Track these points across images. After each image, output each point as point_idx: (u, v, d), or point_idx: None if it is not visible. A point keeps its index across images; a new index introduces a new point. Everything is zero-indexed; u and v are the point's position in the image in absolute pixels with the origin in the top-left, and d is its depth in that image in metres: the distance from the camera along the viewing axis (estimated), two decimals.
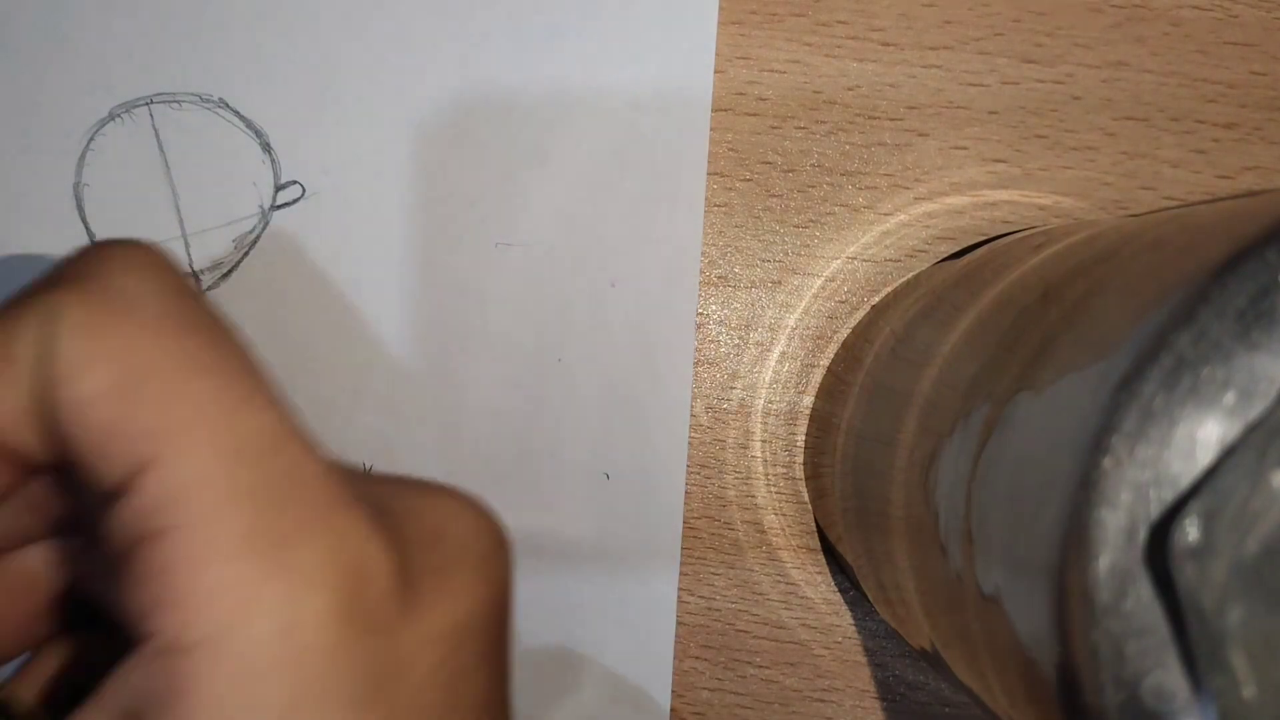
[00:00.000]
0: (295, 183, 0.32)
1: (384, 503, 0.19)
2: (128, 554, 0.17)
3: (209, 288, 0.32)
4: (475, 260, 0.33)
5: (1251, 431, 0.14)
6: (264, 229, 0.32)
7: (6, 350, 0.17)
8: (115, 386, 0.17)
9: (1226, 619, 0.14)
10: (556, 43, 0.32)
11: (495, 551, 0.20)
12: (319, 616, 0.17)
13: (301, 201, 0.32)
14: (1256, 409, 0.14)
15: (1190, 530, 0.14)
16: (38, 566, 0.20)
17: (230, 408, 0.17)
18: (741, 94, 0.33)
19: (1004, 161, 0.33)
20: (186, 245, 0.32)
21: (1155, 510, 0.15)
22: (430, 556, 0.19)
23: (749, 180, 0.33)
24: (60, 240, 0.32)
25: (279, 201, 0.32)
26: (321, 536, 0.17)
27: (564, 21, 0.32)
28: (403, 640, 0.18)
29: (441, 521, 0.20)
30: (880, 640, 0.33)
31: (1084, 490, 0.15)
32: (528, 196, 0.33)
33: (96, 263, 0.18)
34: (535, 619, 0.33)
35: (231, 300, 0.32)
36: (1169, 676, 0.14)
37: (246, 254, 0.32)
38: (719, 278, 0.33)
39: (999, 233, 0.33)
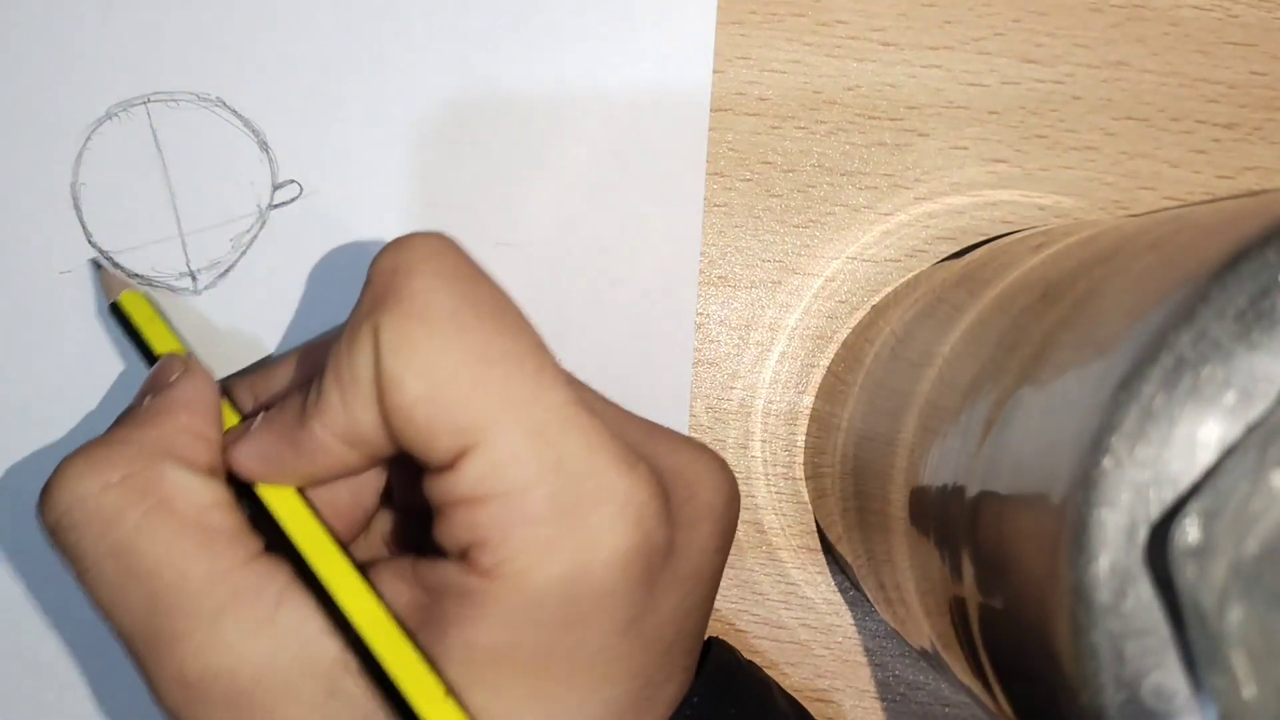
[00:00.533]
0: (293, 182, 0.32)
1: (654, 460, 0.23)
2: (453, 507, 0.21)
3: (206, 287, 0.32)
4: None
5: (1251, 431, 0.14)
6: (261, 228, 0.32)
7: (356, 373, 0.22)
8: (427, 393, 0.21)
9: (1226, 619, 0.14)
10: (556, 43, 0.32)
11: (730, 506, 0.24)
12: (602, 568, 0.21)
13: (299, 201, 0.32)
14: (1256, 409, 0.14)
15: (1190, 530, 0.14)
16: (370, 485, 0.26)
17: (528, 394, 0.21)
18: (741, 94, 0.33)
19: (1004, 161, 0.33)
20: (184, 244, 0.32)
21: (1155, 510, 0.15)
22: (685, 510, 0.23)
23: (749, 180, 0.33)
24: (57, 239, 0.32)
25: (276, 201, 0.32)
26: (608, 504, 0.21)
27: (563, 21, 0.32)
28: (659, 584, 0.22)
29: (696, 478, 0.24)
30: (880, 640, 0.33)
31: (1084, 490, 0.15)
32: (527, 196, 0.33)
33: (403, 275, 0.22)
34: None
35: (229, 300, 0.32)
36: (1169, 676, 0.14)
37: (244, 253, 0.32)
38: (719, 278, 0.33)
39: (999, 233, 0.33)
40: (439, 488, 0.22)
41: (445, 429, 0.21)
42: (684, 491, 0.23)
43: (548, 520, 0.21)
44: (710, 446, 0.26)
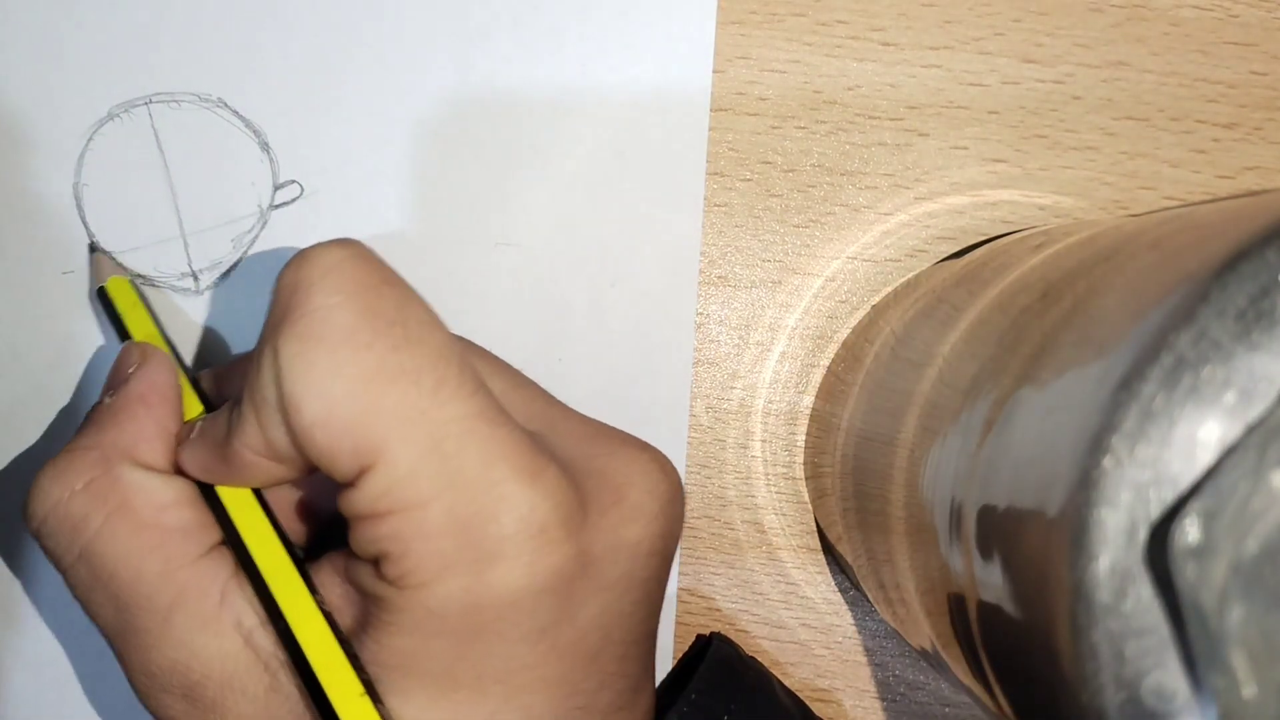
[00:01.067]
0: (294, 182, 0.32)
1: (585, 463, 0.23)
2: (359, 521, 0.22)
3: (208, 287, 0.32)
4: (475, 260, 0.33)
5: (1251, 431, 0.14)
6: (263, 228, 0.32)
7: (264, 394, 0.22)
8: (323, 416, 0.21)
9: (1226, 619, 0.14)
10: (555, 42, 0.32)
11: (666, 508, 0.24)
12: (502, 581, 0.21)
13: (300, 201, 0.32)
14: (1256, 409, 0.14)
15: (1190, 530, 0.14)
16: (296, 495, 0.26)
17: (424, 410, 0.21)
18: (741, 94, 0.33)
19: (1004, 161, 0.33)
20: (185, 244, 0.32)
21: (1155, 510, 0.15)
22: (610, 515, 0.23)
23: (749, 180, 0.33)
24: (60, 240, 0.32)
25: (277, 201, 0.32)
26: (507, 515, 0.21)
27: (563, 22, 0.32)
28: (574, 592, 0.22)
29: (627, 480, 0.24)
30: (880, 640, 0.33)
31: (1084, 490, 0.15)
32: (527, 196, 0.33)
33: (302, 292, 0.22)
34: None
35: (229, 300, 0.32)
36: (1169, 676, 0.14)
37: (245, 253, 0.32)
38: (719, 278, 0.33)
39: (999, 233, 0.33)
40: (346, 502, 0.22)
41: (344, 449, 0.21)
42: (610, 496, 0.23)
43: (446, 534, 0.21)
44: (653, 446, 0.25)
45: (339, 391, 0.21)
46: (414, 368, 0.21)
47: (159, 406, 0.25)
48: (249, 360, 0.24)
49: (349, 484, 0.22)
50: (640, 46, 0.32)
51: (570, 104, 0.32)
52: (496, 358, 0.26)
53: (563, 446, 0.24)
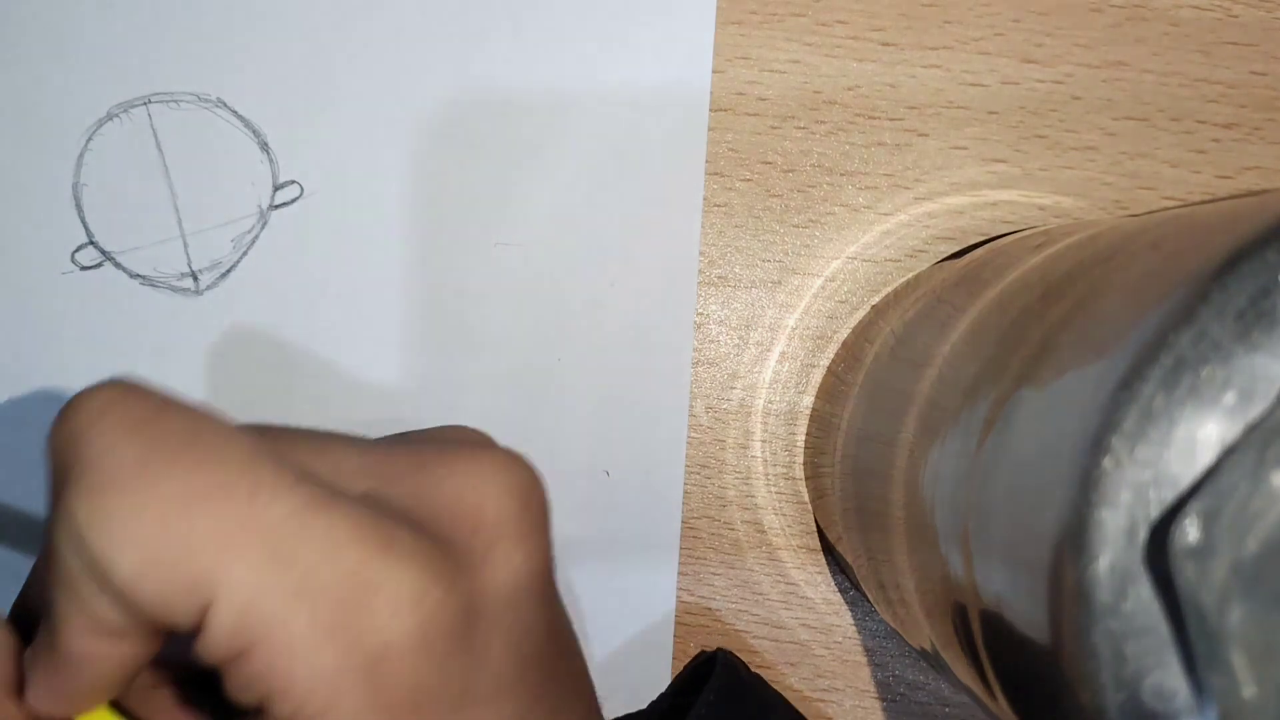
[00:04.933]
0: (294, 182, 0.32)
1: (426, 501, 0.21)
2: (225, 667, 0.19)
3: (208, 287, 0.32)
4: (474, 260, 0.33)
5: (1251, 431, 0.14)
6: (262, 229, 0.32)
7: (70, 568, 0.19)
8: (140, 566, 0.19)
9: (1226, 619, 0.14)
10: (555, 42, 0.32)
11: (527, 505, 0.22)
12: (398, 666, 0.19)
13: (300, 201, 0.32)
14: (1256, 409, 0.14)
15: (1190, 530, 0.14)
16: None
17: (247, 522, 0.19)
18: (741, 94, 0.33)
19: (1004, 161, 0.33)
20: (185, 245, 0.32)
21: (1155, 510, 0.15)
22: (475, 543, 0.21)
23: (749, 180, 0.33)
24: (59, 240, 0.32)
25: (277, 201, 0.32)
26: (377, 598, 0.19)
27: (563, 21, 0.32)
28: (474, 639, 0.20)
29: (477, 498, 0.21)
30: (880, 640, 0.33)
31: (1084, 490, 0.15)
32: (527, 196, 0.33)
33: (81, 443, 0.20)
34: None
35: (230, 300, 0.32)
36: (1169, 676, 0.14)
37: (245, 254, 0.32)
38: (719, 278, 0.33)
39: (999, 233, 0.33)
40: (203, 652, 0.19)
41: (177, 591, 0.19)
42: (468, 524, 0.21)
43: (321, 647, 0.19)
44: (488, 441, 0.23)
45: (149, 532, 0.19)
46: (222, 482, 0.19)
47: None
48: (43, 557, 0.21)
49: (199, 629, 0.19)
50: (640, 46, 0.32)
51: (570, 104, 0.32)
52: (305, 430, 0.23)
53: (400, 493, 0.21)
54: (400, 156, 0.32)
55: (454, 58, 0.32)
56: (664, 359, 0.33)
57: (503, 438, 0.33)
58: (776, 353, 0.33)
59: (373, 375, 0.33)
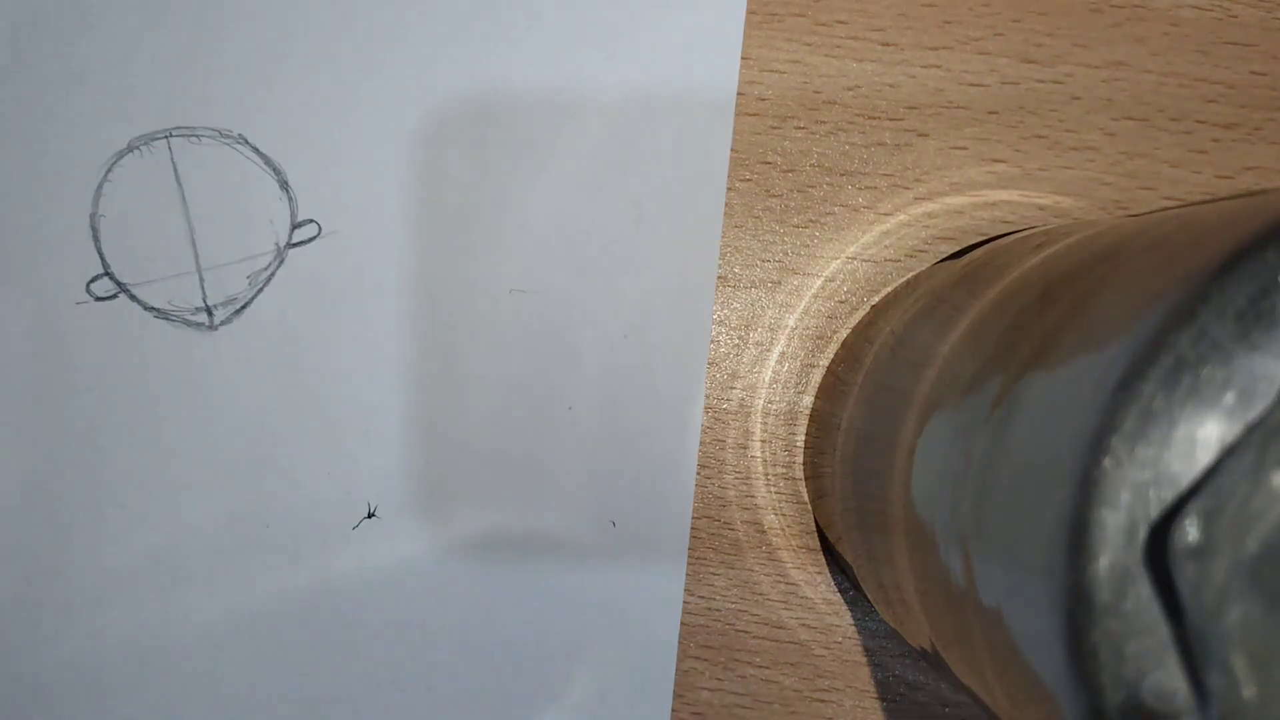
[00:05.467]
0: (312, 221, 0.32)
1: None
2: None
3: (222, 323, 0.32)
4: (489, 305, 0.33)
5: (1251, 431, 0.14)
6: (279, 266, 0.32)
7: None
8: None
9: (1226, 619, 0.14)
10: (583, 64, 0.32)
11: None
12: None
13: (317, 240, 0.32)
14: (1256, 409, 0.14)
15: (1190, 530, 0.14)
16: None
17: None
18: (741, 94, 0.33)
19: (1004, 161, 0.33)
20: (201, 280, 0.32)
21: (1155, 510, 0.15)
22: None
23: (749, 180, 0.33)
24: (75, 270, 0.32)
25: (295, 240, 0.32)
26: None
27: (591, 54, 0.32)
28: None
29: None
30: (880, 640, 0.33)
31: (1084, 490, 0.15)
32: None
33: None
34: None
35: (244, 336, 0.32)
36: (1169, 676, 0.14)
37: (260, 290, 0.32)
38: (719, 278, 0.33)
39: (999, 233, 0.33)
40: None
41: None
42: None
43: None
44: None
45: None
46: None
47: None
48: None
49: None
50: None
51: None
52: None
53: None
54: (420, 200, 0.32)
55: (477, 102, 0.32)
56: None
57: (511, 474, 0.33)
58: (776, 353, 0.33)
59: (382, 417, 0.33)
